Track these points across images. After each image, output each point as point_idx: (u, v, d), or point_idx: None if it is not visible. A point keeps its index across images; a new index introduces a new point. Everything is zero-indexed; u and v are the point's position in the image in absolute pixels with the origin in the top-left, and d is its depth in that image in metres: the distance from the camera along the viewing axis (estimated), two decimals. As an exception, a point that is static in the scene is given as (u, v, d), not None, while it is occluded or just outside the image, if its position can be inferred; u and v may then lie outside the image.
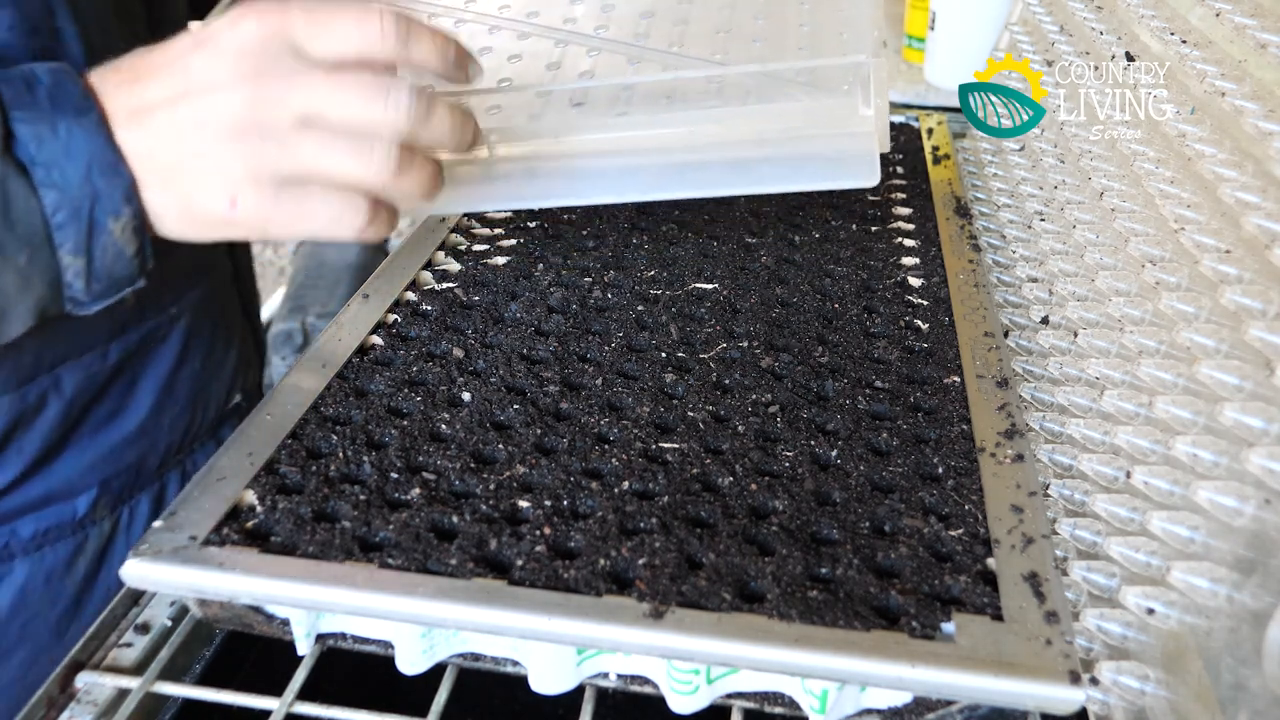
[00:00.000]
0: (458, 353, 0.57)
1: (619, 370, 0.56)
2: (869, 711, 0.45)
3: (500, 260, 0.67)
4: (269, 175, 0.42)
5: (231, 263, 0.69)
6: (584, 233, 0.71)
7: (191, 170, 0.41)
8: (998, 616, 0.40)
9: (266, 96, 0.41)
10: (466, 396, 0.53)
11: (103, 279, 0.42)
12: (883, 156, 0.90)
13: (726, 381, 0.55)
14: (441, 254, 0.67)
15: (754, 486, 0.47)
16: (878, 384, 0.56)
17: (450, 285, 0.64)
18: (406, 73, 0.45)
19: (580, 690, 0.48)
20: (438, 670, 0.48)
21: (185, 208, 0.43)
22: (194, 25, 0.45)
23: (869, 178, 0.54)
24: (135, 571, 0.42)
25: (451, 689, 0.48)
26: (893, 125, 0.93)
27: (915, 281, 0.66)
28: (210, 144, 0.41)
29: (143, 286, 0.45)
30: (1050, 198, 0.74)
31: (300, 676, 0.48)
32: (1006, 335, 0.63)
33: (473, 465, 0.48)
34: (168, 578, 0.42)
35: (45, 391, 0.51)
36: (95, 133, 0.40)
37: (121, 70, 0.43)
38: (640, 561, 0.42)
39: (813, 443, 0.50)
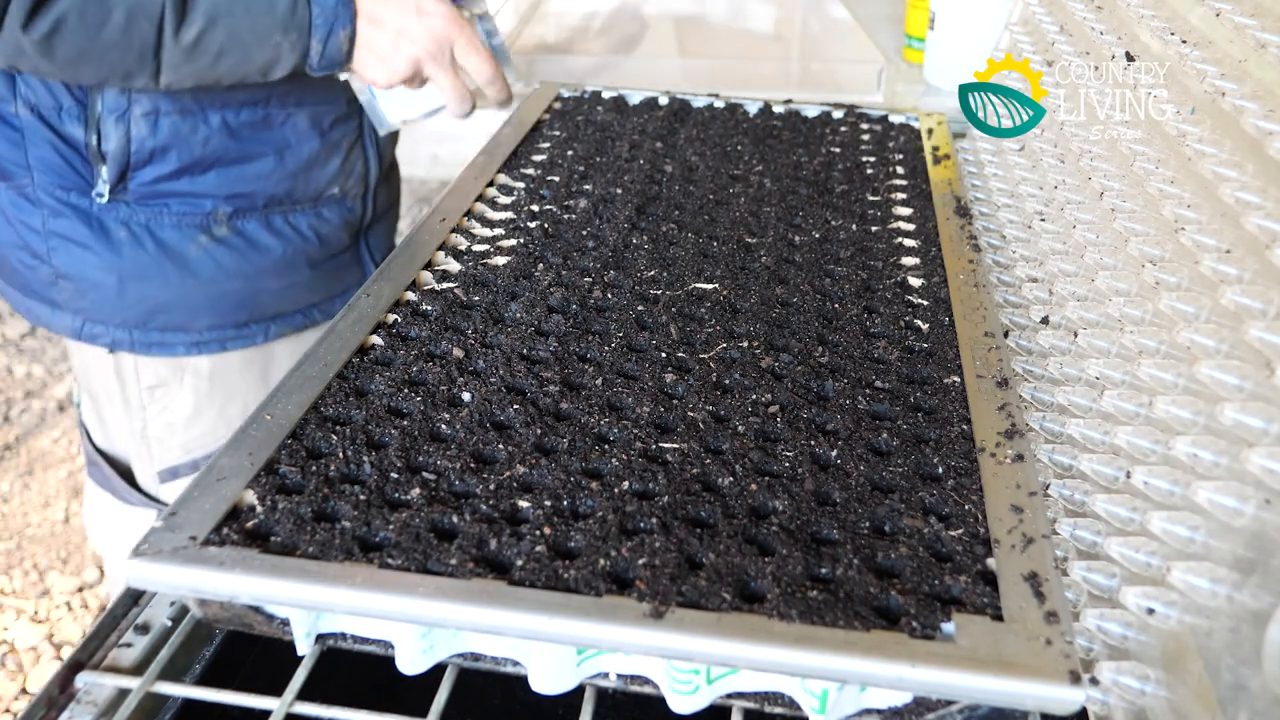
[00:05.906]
0: (458, 353, 0.57)
1: (619, 370, 0.56)
2: (869, 711, 0.45)
3: (500, 260, 0.67)
4: (410, 72, 0.86)
5: None
6: (584, 233, 0.71)
7: (381, 48, 0.85)
8: (998, 616, 0.40)
9: (431, 51, 0.86)
10: (466, 396, 0.53)
11: (327, 59, 0.83)
12: (883, 156, 0.89)
13: (726, 381, 0.55)
14: (441, 254, 0.67)
15: (754, 486, 0.47)
16: (878, 384, 0.56)
17: (450, 285, 0.64)
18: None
19: (580, 690, 0.48)
20: (438, 670, 0.48)
21: (373, 53, 0.86)
22: None
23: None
24: (135, 571, 0.42)
25: (451, 689, 0.48)
26: (893, 125, 0.93)
27: (915, 281, 0.66)
28: (397, 46, 0.84)
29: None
30: (1050, 198, 0.74)
31: (300, 676, 0.48)
32: (1006, 335, 0.63)
33: (473, 465, 0.48)
34: (168, 578, 0.42)
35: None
36: None
37: None
38: (640, 561, 0.42)
39: (813, 443, 0.50)
